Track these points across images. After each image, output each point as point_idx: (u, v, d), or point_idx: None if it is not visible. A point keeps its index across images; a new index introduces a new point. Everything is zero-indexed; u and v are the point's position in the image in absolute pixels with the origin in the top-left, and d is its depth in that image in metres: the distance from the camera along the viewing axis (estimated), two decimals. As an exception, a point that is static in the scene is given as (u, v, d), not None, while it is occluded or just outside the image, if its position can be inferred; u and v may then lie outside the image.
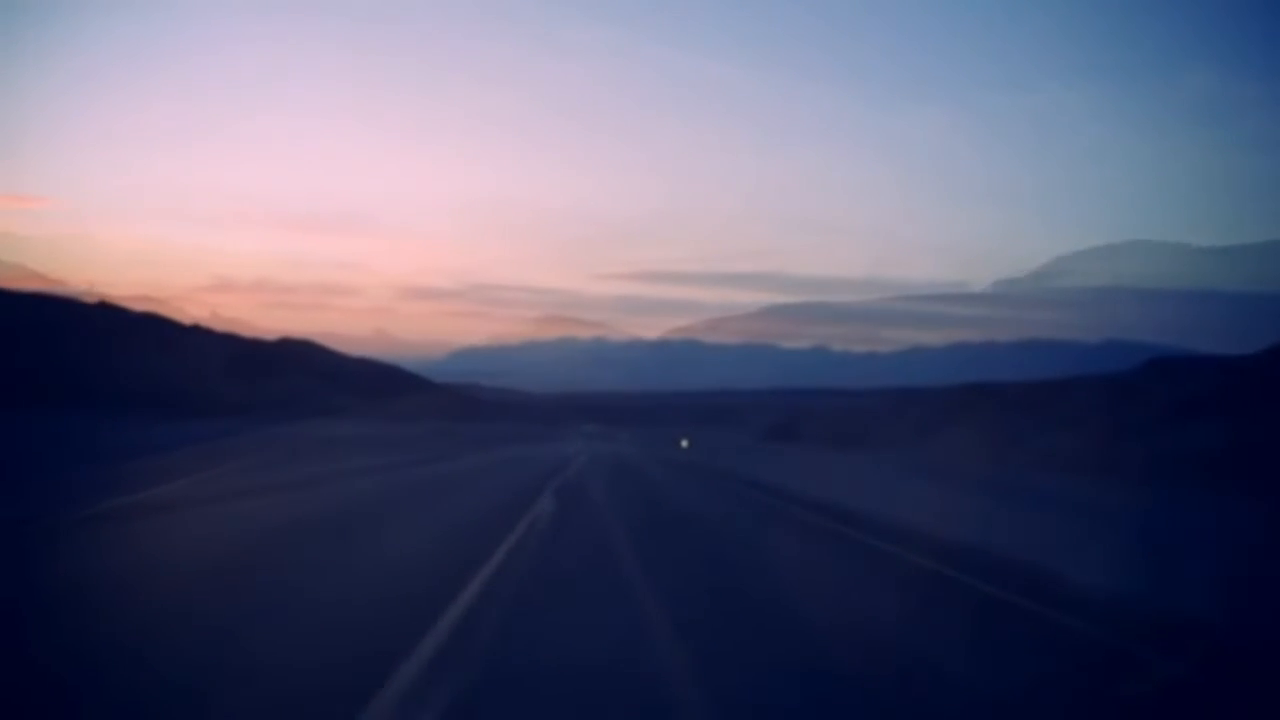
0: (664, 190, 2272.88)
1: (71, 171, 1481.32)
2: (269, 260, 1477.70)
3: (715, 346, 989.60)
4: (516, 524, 16.78)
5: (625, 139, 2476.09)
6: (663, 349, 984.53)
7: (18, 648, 7.80)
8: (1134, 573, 12.81)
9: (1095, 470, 37.93)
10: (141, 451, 33.69)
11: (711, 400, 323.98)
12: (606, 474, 36.73)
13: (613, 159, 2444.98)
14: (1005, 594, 11.69)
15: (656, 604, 10.16)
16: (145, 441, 38.37)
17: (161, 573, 11.53)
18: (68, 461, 28.65)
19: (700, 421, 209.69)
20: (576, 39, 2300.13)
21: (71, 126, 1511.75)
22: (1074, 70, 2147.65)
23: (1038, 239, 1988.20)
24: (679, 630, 8.70)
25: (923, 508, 21.50)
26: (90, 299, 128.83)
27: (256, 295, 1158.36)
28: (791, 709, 6.66)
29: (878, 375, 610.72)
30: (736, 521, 21.12)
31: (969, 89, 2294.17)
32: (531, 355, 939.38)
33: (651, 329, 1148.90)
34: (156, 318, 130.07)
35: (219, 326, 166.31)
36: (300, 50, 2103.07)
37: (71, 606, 9.39)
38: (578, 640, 8.21)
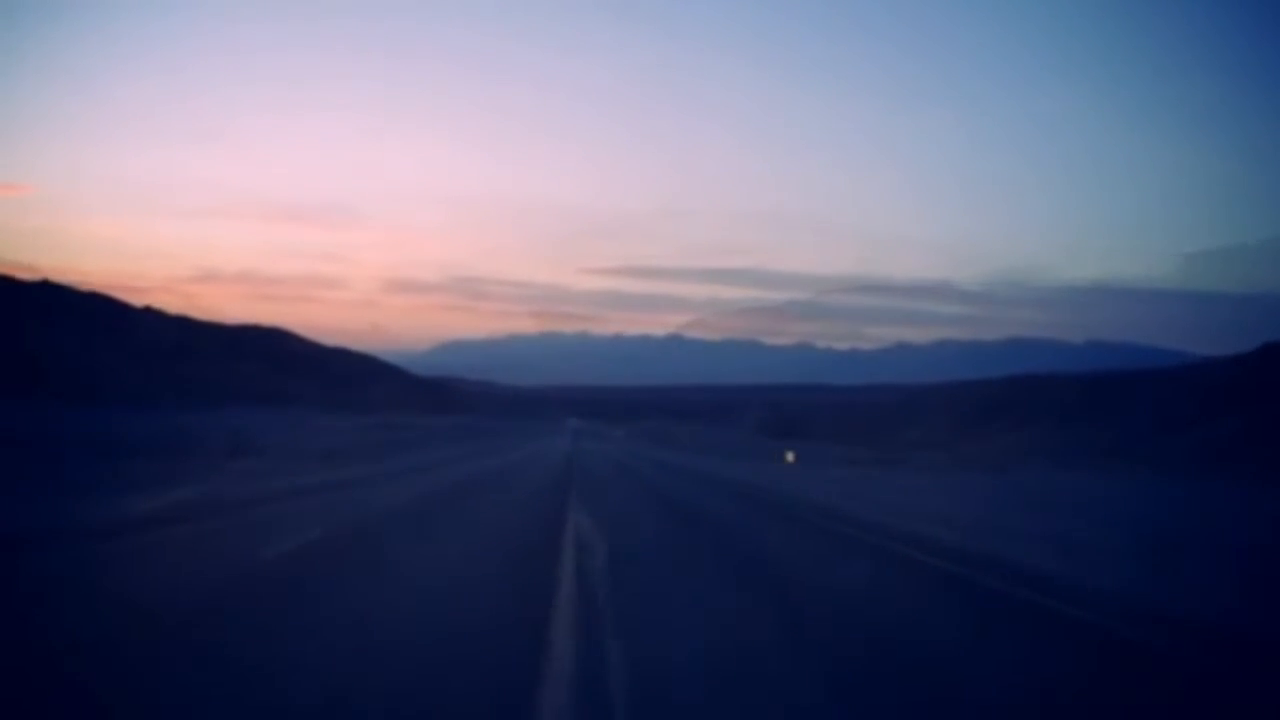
0: (651, 186, 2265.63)
1: (56, 161, 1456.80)
2: (254, 252, 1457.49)
3: (699, 342, 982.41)
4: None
5: (614, 135, 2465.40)
6: (647, 344, 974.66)
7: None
8: None
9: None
10: None
11: (697, 396, 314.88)
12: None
13: (600, 155, 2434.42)
14: None
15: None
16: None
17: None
18: None
19: (688, 416, 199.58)
20: (568, 36, 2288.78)
21: (57, 116, 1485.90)
22: (1066, 72, 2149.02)
23: (1023, 238, 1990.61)
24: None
25: None
26: (32, 277, 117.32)
27: (240, 287, 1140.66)
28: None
29: (862, 372, 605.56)
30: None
31: (958, 90, 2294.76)
32: (515, 349, 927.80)
33: (636, 324, 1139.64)
34: (103, 298, 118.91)
35: (177, 311, 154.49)
36: (289, 45, 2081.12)
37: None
38: None
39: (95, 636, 7.05)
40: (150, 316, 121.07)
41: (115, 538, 12.57)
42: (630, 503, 21.79)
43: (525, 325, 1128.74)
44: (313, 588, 9.24)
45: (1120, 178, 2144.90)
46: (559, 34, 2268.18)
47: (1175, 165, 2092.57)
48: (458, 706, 5.65)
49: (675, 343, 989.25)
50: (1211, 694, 6.85)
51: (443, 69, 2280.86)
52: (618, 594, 9.32)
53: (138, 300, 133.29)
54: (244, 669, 6.23)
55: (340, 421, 59.61)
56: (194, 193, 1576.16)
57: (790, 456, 46.92)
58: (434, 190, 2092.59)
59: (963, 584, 11.29)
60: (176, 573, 10.02)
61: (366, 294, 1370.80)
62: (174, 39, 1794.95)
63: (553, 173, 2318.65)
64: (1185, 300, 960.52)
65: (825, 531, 17.45)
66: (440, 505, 19.41)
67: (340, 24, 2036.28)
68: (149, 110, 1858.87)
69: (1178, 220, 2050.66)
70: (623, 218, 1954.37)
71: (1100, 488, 28.27)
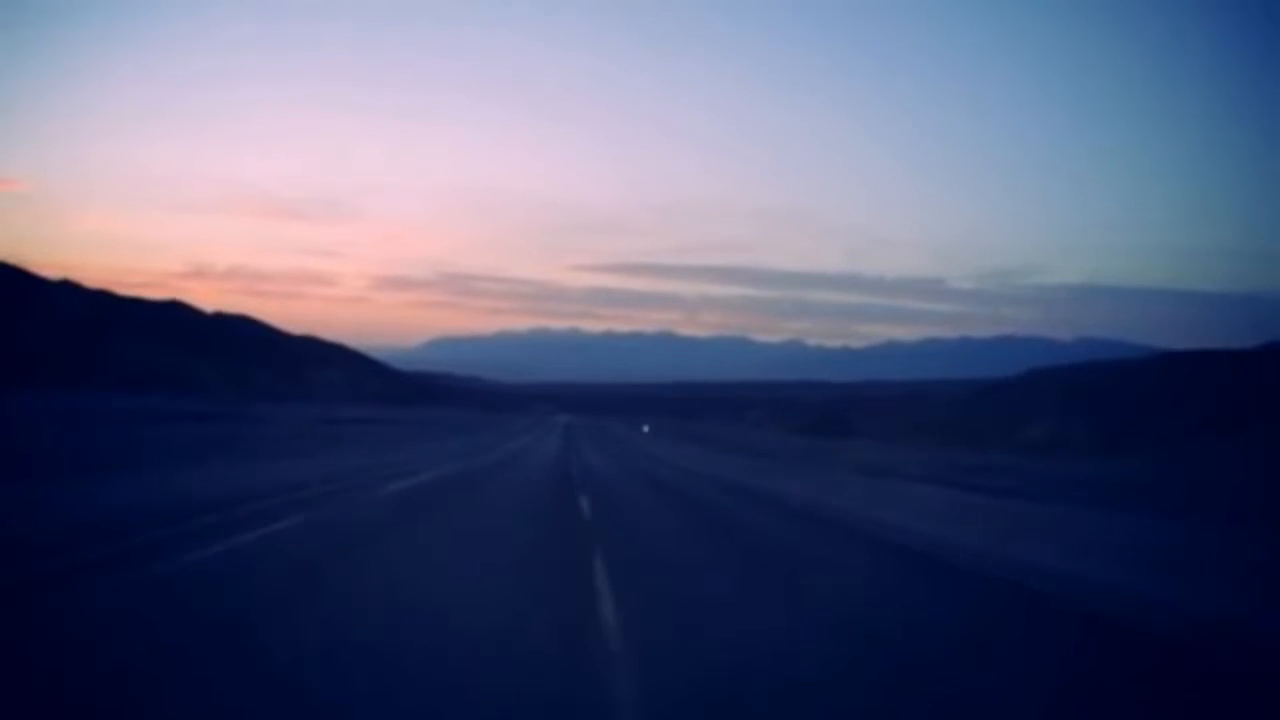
0: (642, 183, 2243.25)
1: (48, 156, 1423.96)
2: (245, 247, 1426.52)
3: (689, 339, 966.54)
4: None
5: (605, 132, 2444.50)
6: (638, 341, 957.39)
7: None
8: None
9: None
10: None
11: (690, 392, 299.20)
12: None
13: (592, 152, 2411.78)
14: None
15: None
16: None
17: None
18: None
19: (683, 413, 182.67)
20: (560, 33, 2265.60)
21: (49, 110, 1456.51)
22: (1058, 71, 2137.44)
23: (1013, 237, 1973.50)
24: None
25: None
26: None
27: (232, 282, 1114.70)
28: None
29: (852, 369, 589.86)
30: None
31: (949, 88, 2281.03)
32: (506, 346, 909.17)
33: (627, 321, 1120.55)
34: (7, 268, 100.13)
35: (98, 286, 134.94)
36: (282, 40, 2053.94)
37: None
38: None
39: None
40: (64, 290, 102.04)
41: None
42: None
43: (516, 322, 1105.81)
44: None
45: (1110, 177, 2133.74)
46: (551, 31, 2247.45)
47: (1165, 164, 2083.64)
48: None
49: (666, 339, 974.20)
50: None
51: (434, 66, 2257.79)
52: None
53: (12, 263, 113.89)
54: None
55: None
56: (185, 188, 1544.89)
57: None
58: (425, 186, 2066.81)
59: None
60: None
61: (357, 291, 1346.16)
62: (168, 35, 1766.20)
63: (543, 169, 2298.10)
64: (1173, 299, 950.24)
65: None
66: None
67: (333, 21, 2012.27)
68: (142, 106, 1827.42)
69: (1167, 219, 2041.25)
70: (614, 215, 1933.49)
71: None
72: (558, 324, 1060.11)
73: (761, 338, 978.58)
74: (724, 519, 15.54)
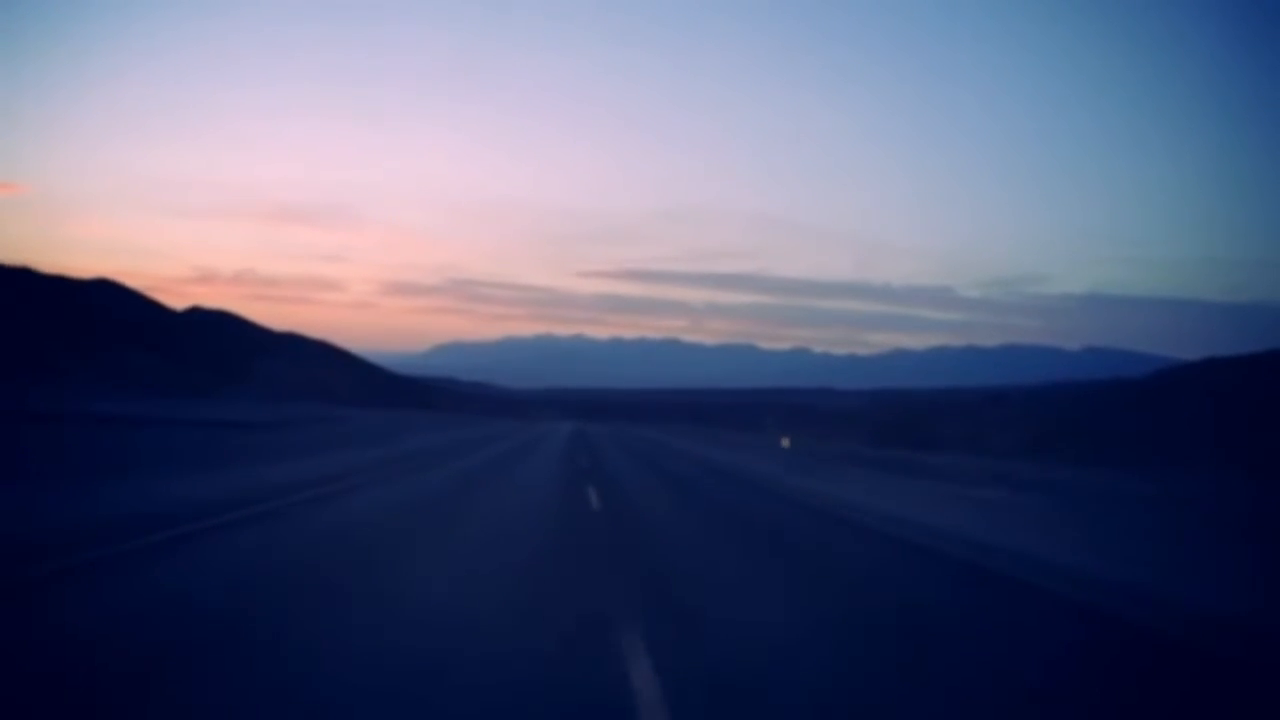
0: (650, 190, 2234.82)
1: (55, 161, 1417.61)
2: (252, 253, 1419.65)
3: (695, 346, 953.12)
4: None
5: (613, 139, 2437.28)
6: (644, 347, 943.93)
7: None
8: None
9: None
10: None
11: (696, 399, 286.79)
12: None
13: (599, 159, 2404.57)
14: None
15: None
16: None
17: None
18: None
19: (693, 420, 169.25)
20: (568, 40, 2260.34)
21: (57, 116, 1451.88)
22: (1066, 84, 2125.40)
23: (1021, 246, 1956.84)
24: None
25: None
26: None
27: (238, 287, 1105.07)
28: None
29: (859, 377, 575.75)
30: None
31: (959, 98, 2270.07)
32: (512, 352, 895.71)
33: (633, 328, 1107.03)
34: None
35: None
36: (289, 45, 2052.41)
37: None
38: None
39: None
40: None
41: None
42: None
43: (522, 328, 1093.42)
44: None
45: (1115, 188, 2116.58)
46: (559, 38, 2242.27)
47: (1170, 176, 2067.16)
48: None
49: (672, 346, 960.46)
50: None
51: (443, 72, 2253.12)
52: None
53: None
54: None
55: None
56: (193, 193, 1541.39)
57: None
58: (433, 193, 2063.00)
59: None
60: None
61: (364, 296, 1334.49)
62: (174, 41, 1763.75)
63: (551, 176, 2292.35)
64: (1178, 308, 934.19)
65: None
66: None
67: (341, 27, 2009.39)
68: (149, 111, 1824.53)
69: (1171, 230, 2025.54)
70: (621, 221, 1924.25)
71: None
72: (564, 330, 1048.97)
73: (769, 345, 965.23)
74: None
